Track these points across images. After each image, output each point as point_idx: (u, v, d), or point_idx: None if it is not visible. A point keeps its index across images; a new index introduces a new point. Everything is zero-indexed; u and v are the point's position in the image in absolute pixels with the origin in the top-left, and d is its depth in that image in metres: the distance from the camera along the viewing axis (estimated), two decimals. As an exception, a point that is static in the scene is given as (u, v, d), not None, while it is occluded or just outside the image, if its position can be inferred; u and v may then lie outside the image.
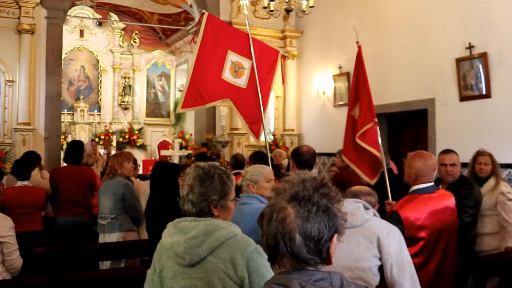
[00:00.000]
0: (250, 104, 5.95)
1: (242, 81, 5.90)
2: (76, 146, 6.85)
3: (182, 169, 4.74)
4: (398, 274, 3.00)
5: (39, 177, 7.11)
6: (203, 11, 5.95)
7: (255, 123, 6.04)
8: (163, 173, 4.58)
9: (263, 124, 6.01)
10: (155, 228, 2.87)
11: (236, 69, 5.79)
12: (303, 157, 4.89)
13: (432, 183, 4.00)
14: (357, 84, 6.12)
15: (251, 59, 5.89)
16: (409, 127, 10.16)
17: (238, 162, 6.85)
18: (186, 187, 2.51)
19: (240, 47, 5.91)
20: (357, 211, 3.14)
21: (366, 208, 3.21)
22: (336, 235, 1.58)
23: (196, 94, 5.63)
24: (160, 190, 4.48)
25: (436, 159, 4.79)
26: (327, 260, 1.57)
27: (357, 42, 6.27)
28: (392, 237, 3.07)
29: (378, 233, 3.05)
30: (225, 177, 2.56)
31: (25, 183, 5.95)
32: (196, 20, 12.27)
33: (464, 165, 6.57)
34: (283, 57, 6.66)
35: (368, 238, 3.04)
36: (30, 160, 6.84)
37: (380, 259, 3.03)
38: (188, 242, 2.34)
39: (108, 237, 5.52)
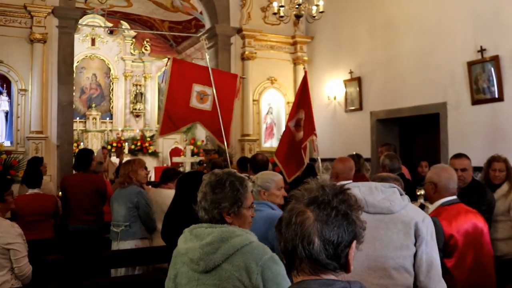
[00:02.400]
0: (216, 121, 7.35)
1: (207, 106, 7.34)
2: (84, 154, 6.91)
3: None
4: (426, 262, 2.95)
5: (52, 185, 7.17)
6: (169, 57, 7.66)
7: (221, 135, 7.50)
8: (189, 180, 4.54)
9: (224, 134, 7.49)
10: (175, 234, 2.88)
11: (201, 97, 7.19)
12: (258, 163, 6.21)
13: (350, 181, 5.06)
14: (300, 102, 7.83)
15: (212, 86, 7.29)
16: (421, 131, 10.11)
17: (216, 167, 7.05)
18: (200, 194, 2.51)
19: (203, 79, 7.26)
20: (394, 196, 3.03)
21: (401, 194, 3.11)
22: (355, 242, 1.55)
23: (169, 122, 7.16)
24: (183, 197, 4.44)
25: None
26: (346, 267, 1.55)
27: (304, 69, 8.33)
28: (426, 223, 3.01)
29: (416, 218, 2.97)
30: (238, 184, 2.52)
31: (36, 190, 5.98)
32: (207, 27, 12.37)
33: (476, 169, 6.52)
34: (242, 78, 8.34)
35: (407, 224, 2.95)
36: (36, 166, 6.92)
37: (415, 244, 2.97)
38: (203, 248, 2.32)
39: (122, 245, 5.50)
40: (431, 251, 2.98)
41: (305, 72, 8.41)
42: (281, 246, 1.58)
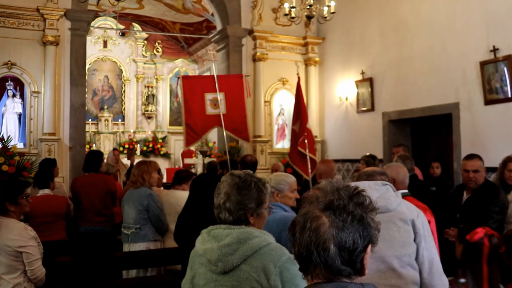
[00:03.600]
0: (233, 122, 8.15)
1: (222, 109, 8.02)
2: (94, 155, 6.98)
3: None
4: (428, 259, 2.97)
5: (65, 187, 7.19)
6: (178, 76, 9.18)
7: (241, 132, 8.39)
8: (204, 182, 4.53)
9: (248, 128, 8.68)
10: (189, 236, 2.90)
11: (214, 103, 7.90)
12: (248, 164, 6.80)
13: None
14: (298, 107, 8.88)
15: (222, 91, 8.01)
16: (433, 132, 10.05)
17: (211, 168, 8.81)
18: (223, 195, 2.50)
19: (212, 87, 7.97)
20: (389, 194, 3.03)
21: (393, 190, 3.12)
22: (370, 246, 1.53)
23: (192, 133, 7.94)
24: (198, 199, 4.42)
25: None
26: (361, 272, 1.53)
27: (297, 74, 9.32)
28: (421, 219, 3.03)
29: (411, 215, 3.00)
30: (261, 185, 2.55)
31: (46, 191, 6.00)
32: (218, 29, 12.40)
33: (490, 169, 6.47)
34: (246, 76, 8.99)
35: (405, 221, 2.97)
36: (47, 167, 6.96)
37: (415, 241, 2.99)
38: (222, 249, 2.33)
39: (133, 247, 5.51)
40: (430, 247, 3.01)
41: (298, 78, 9.45)
42: (294, 250, 1.56)
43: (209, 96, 8.02)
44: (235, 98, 8.20)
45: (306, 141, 8.44)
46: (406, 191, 4.09)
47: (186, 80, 8.42)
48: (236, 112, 8.19)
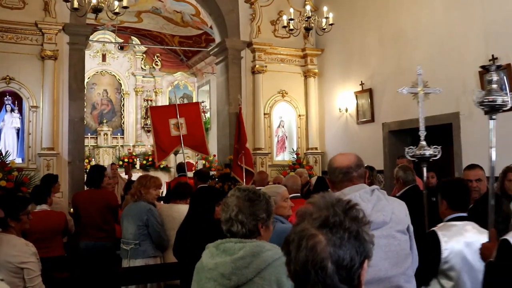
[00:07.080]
0: (194, 140, 9.84)
1: (183, 131, 9.69)
2: (96, 170, 6.96)
3: (223, 196, 4.57)
4: (412, 247, 2.95)
5: (64, 203, 7.14)
6: (149, 106, 11.65)
7: (201, 148, 10.30)
8: (204, 196, 4.45)
9: (207, 143, 10.63)
10: (188, 250, 2.85)
11: (177, 126, 9.62)
12: (203, 175, 8.37)
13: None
14: (239, 130, 10.82)
15: (182, 116, 9.70)
16: (434, 142, 9.92)
17: (181, 168, 10.34)
18: (234, 207, 2.51)
19: (175, 113, 9.67)
20: (382, 204, 2.82)
21: (382, 193, 2.90)
22: (366, 261, 1.50)
23: (161, 151, 9.82)
24: (198, 212, 4.35)
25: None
26: (358, 287, 1.50)
27: (239, 105, 11.15)
28: (408, 216, 2.95)
29: (405, 221, 2.90)
30: (268, 197, 2.63)
31: (44, 207, 5.94)
32: (217, 41, 12.42)
33: (492, 179, 6.40)
34: (202, 103, 11.15)
35: (403, 231, 2.87)
36: (47, 183, 6.91)
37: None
38: (236, 263, 2.34)
39: (132, 263, 5.41)
40: (413, 243, 2.97)
41: (240, 108, 11.16)
42: (290, 269, 1.52)
43: (172, 121, 9.70)
44: (193, 121, 9.88)
45: (243, 157, 10.41)
46: (298, 194, 5.52)
47: (154, 110, 10.92)
48: (195, 132, 9.84)
